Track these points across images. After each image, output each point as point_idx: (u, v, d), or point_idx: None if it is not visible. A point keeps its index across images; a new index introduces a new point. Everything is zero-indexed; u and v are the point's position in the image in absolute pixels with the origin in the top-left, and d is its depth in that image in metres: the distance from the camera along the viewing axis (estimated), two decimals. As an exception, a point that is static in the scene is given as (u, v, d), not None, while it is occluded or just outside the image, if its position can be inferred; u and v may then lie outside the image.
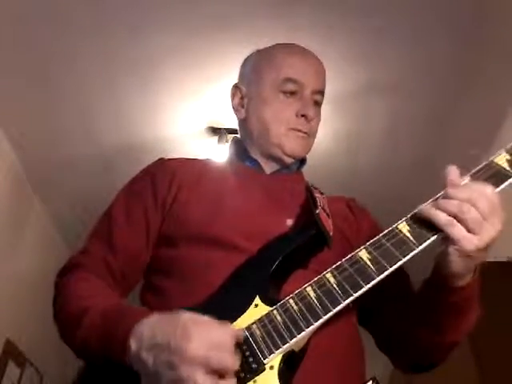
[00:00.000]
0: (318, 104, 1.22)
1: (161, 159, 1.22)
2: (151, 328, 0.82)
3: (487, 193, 0.86)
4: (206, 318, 0.82)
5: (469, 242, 0.84)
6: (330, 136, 3.00)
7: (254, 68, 1.26)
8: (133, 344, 0.82)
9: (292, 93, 1.18)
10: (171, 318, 0.83)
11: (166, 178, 1.14)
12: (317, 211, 1.03)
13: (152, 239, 1.09)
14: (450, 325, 0.97)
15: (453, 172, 0.91)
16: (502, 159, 0.94)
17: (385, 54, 2.57)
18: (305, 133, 1.19)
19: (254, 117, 1.22)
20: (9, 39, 2.44)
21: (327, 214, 1.07)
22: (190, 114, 2.96)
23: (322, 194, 1.18)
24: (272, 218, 1.08)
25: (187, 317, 0.81)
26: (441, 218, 0.86)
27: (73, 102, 2.85)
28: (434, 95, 2.77)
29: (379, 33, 2.45)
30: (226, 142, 2.94)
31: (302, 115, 1.17)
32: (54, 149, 3.14)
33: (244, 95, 1.26)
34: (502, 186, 0.91)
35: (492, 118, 2.84)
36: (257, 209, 1.10)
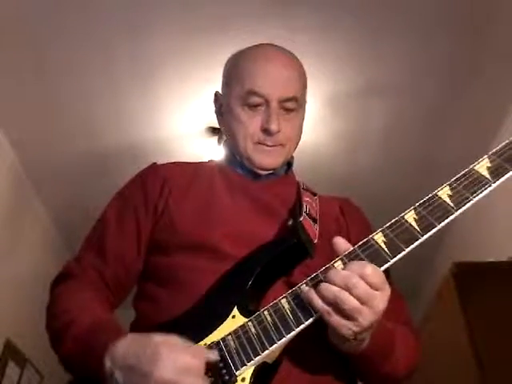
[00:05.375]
0: (290, 110, 1.14)
1: (153, 164, 1.21)
2: (125, 348, 0.84)
3: (366, 274, 0.83)
4: (178, 341, 0.82)
5: (346, 329, 0.83)
6: (330, 136, 2.98)
7: (225, 77, 1.22)
8: (107, 362, 0.84)
9: (257, 105, 1.12)
10: (144, 339, 0.84)
11: (157, 183, 1.13)
12: (300, 219, 1.02)
13: (144, 246, 1.09)
14: (378, 368, 0.97)
15: (341, 244, 0.90)
16: (482, 166, 0.92)
17: (383, 54, 2.57)
18: (272, 146, 1.13)
19: (227, 128, 1.19)
20: (9, 39, 2.44)
21: (313, 220, 1.06)
22: (190, 115, 2.96)
23: (314, 194, 1.17)
24: (261, 225, 1.07)
25: (159, 339, 0.82)
26: (319, 305, 0.84)
27: (73, 102, 2.86)
28: (433, 95, 2.77)
29: (377, 33, 2.46)
30: (226, 142, 2.94)
31: (266, 129, 1.12)
32: (54, 149, 3.15)
33: (222, 103, 1.22)
34: (481, 195, 0.89)
35: (492, 118, 2.84)
36: (246, 217, 1.09)
